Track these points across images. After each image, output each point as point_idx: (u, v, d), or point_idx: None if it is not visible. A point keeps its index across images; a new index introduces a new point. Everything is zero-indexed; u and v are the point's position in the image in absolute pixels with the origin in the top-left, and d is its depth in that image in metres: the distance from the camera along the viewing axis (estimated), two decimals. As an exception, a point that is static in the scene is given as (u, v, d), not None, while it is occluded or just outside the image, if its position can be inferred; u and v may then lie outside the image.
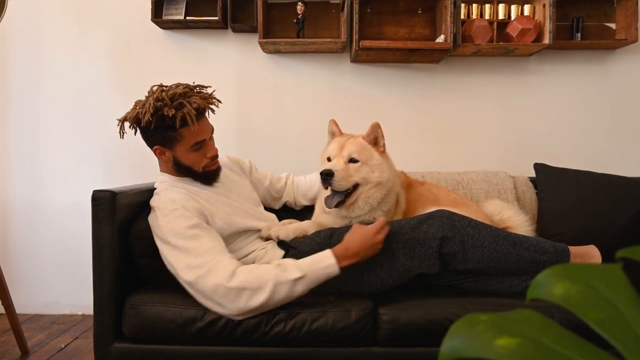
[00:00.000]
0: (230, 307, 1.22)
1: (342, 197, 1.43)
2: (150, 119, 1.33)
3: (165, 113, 1.32)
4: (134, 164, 2.26)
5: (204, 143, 1.43)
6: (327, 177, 1.39)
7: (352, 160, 1.44)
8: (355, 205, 1.45)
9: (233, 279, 1.21)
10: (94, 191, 1.34)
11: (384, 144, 1.50)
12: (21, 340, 1.83)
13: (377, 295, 1.37)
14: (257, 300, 1.20)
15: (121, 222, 1.38)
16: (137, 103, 1.42)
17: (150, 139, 1.42)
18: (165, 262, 1.34)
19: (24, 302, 2.27)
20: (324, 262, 1.24)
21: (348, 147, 1.45)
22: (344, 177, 1.40)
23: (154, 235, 1.36)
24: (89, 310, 1.98)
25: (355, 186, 1.44)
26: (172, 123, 1.34)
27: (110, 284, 1.33)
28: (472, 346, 0.33)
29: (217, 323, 1.28)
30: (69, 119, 2.28)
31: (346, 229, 1.42)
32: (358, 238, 1.28)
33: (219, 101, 1.46)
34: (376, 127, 1.47)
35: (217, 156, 1.48)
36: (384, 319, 1.29)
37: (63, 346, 1.91)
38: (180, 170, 1.45)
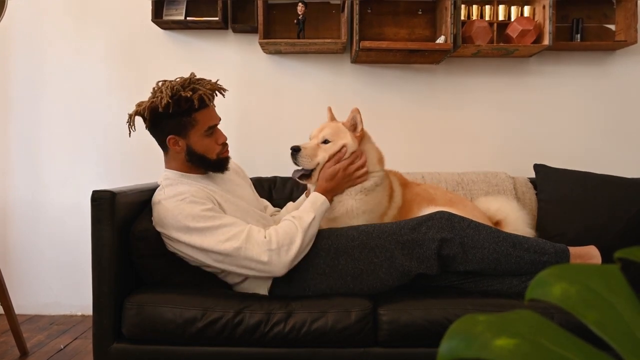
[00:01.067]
0: (276, 266, 1.30)
1: (308, 172, 1.52)
2: (169, 101, 1.35)
3: (183, 94, 1.36)
4: (135, 164, 2.26)
5: (216, 129, 1.47)
6: (294, 152, 1.49)
7: (325, 142, 1.52)
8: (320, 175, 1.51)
9: (270, 242, 1.31)
10: (94, 191, 1.34)
11: (361, 129, 1.56)
12: (20, 340, 1.83)
13: (376, 295, 1.37)
14: (293, 251, 1.31)
15: (121, 223, 1.38)
16: (139, 103, 1.44)
17: (165, 128, 1.43)
18: (186, 250, 1.35)
19: (24, 302, 2.27)
20: (319, 201, 1.42)
21: (325, 130, 1.55)
22: (309, 154, 1.50)
23: (163, 228, 1.36)
24: (89, 310, 1.98)
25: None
26: (188, 107, 1.38)
27: (109, 284, 1.33)
28: (471, 347, 0.33)
29: (216, 323, 1.28)
30: (70, 119, 2.28)
31: (345, 229, 1.43)
32: (328, 178, 1.47)
33: (225, 89, 1.50)
34: (355, 112, 1.55)
35: (227, 144, 1.52)
36: (384, 319, 1.29)
37: (62, 347, 1.90)
38: (193, 160, 1.46)
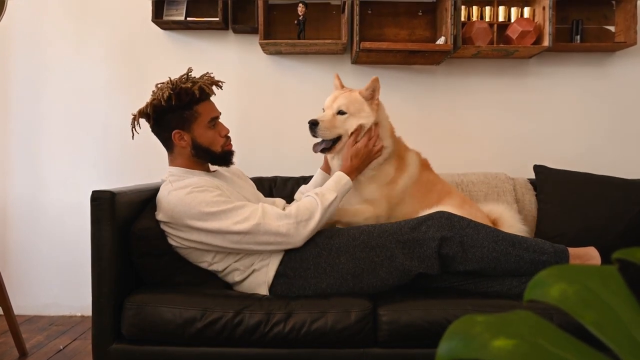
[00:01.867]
0: (294, 238, 1.35)
1: (329, 144, 1.56)
2: (171, 93, 1.40)
3: (183, 86, 1.41)
4: (135, 164, 2.26)
5: (218, 122, 1.51)
6: (312, 126, 1.53)
7: (341, 112, 1.55)
8: (342, 154, 1.57)
9: (289, 215, 1.36)
10: (93, 191, 1.34)
11: (377, 98, 1.58)
12: (19, 341, 1.82)
13: (376, 296, 1.37)
14: (311, 226, 1.36)
15: (121, 223, 1.38)
16: (139, 109, 1.46)
17: (169, 124, 1.45)
18: (199, 238, 1.36)
19: (23, 303, 2.27)
20: (343, 180, 1.47)
21: (339, 100, 1.57)
22: (327, 127, 1.54)
23: (173, 219, 1.36)
24: (88, 311, 1.98)
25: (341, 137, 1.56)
26: (189, 99, 1.43)
27: (109, 285, 1.33)
28: (469, 347, 0.33)
29: (216, 323, 1.28)
30: (70, 119, 2.29)
31: (346, 229, 1.43)
32: (353, 156, 1.52)
33: (222, 82, 1.54)
34: (375, 82, 1.57)
35: (230, 137, 1.55)
36: (384, 319, 1.29)
37: (62, 347, 1.90)
38: (200, 154, 1.48)
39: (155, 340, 1.32)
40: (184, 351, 1.31)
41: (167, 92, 1.40)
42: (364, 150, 1.52)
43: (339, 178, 1.48)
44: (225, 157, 1.53)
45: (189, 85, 1.42)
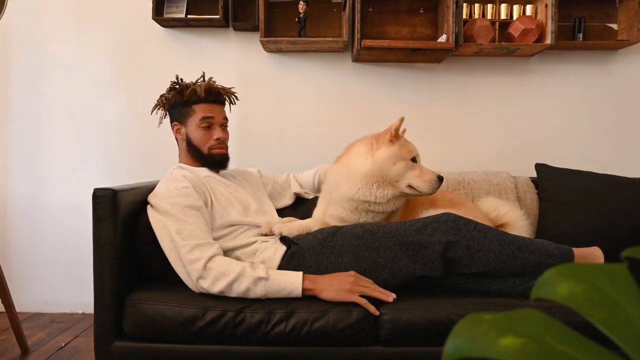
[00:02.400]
0: (195, 282, 1.30)
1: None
2: (174, 90, 1.57)
3: (180, 85, 1.57)
4: (136, 163, 2.26)
5: (213, 123, 1.56)
6: (439, 182, 1.47)
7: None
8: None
9: (211, 260, 1.30)
10: (95, 189, 1.34)
11: None
12: (21, 338, 1.83)
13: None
14: (220, 284, 1.28)
15: (122, 220, 1.38)
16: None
17: (172, 115, 1.60)
18: (152, 218, 1.41)
19: (24, 300, 2.27)
20: (291, 278, 1.29)
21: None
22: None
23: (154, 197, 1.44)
24: (89, 308, 1.98)
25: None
26: (187, 99, 1.54)
27: (111, 282, 1.33)
28: (476, 346, 0.32)
29: (218, 322, 1.28)
30: (71, 117, 2.28)
31: (350, 227, 1.42)
32: (333, 276, 1.30)
33: (235, 96, 1.67)
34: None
35: (224, 141, 1.59)
36: (385, 318, 1.28)
37: (63, 345, 1.90)
38: (191, 151, 1.56)
39: (157, 338, 1.32)
40: (186, 348, 1.31)
41: (171, 93, 1.57)
42: (348, 298, 1.27)
43: (291, 274, 1.29)
44: (211, 161, 1.57)
45: (187, 85, 1.56)
